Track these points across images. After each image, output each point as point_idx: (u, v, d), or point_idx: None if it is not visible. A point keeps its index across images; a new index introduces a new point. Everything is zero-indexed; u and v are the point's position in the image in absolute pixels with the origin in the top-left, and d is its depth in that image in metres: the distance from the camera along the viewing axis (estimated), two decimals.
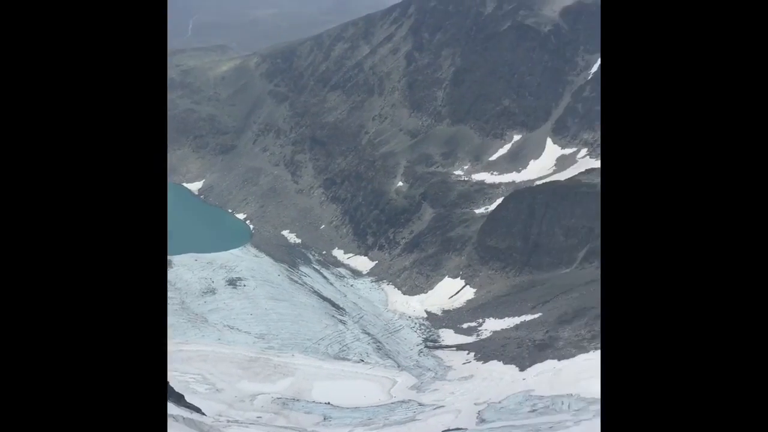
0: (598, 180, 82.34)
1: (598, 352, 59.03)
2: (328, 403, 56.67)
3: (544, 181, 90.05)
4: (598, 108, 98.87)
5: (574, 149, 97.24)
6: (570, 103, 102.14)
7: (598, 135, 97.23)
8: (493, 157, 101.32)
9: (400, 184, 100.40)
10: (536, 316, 69.20)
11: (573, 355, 59.68)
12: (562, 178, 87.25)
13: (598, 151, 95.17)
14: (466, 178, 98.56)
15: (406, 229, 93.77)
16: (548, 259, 78.95)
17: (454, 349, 68.19)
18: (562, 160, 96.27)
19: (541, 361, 59.99)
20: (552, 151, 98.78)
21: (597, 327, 62.51)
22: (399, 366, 64.44)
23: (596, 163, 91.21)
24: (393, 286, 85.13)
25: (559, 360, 59.52)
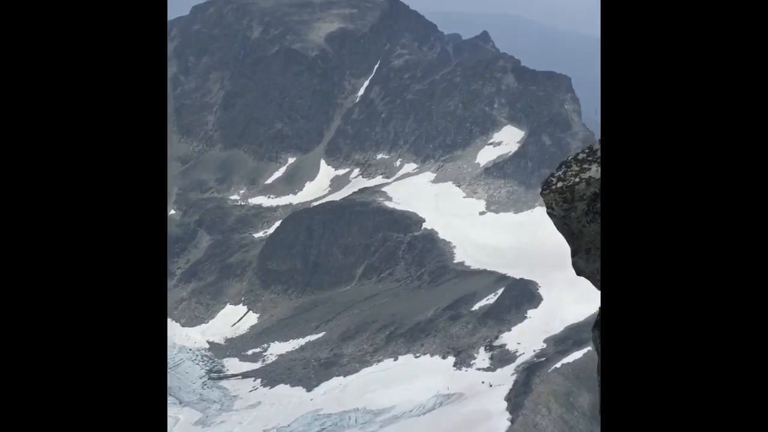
0: (371, 198, 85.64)
1: (381, 365, 61.02)
2: None
3: (320, 202, 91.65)
4: (367, 129, 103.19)
5: (347, 170, 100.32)
6: (341, 125, 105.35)
7: (368, 155, 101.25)
8: (269, 180, 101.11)
9: (173, 212, 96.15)
10: (320, 335, 69.83)
11: (357, 370, 61.02)
12: (338, 198, 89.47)
13: (370, 170, 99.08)
14: (242, 203, 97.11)
15: (182, 259, 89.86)
16: (328, 278, 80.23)
17: (240, 377, 66.38)
18: (336, 181, 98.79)
19: (328, 379, 60.53)
20: (326, 172, 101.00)
21: (378, 340, 64.60)
22: (181, 402, 61.17)
23: (368, 182, 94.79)
24: (171, 319, 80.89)
25: (344, 376, 60.50)
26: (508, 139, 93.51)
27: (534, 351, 58.04)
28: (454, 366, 58.50)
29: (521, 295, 65.02)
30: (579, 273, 4.86)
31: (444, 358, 59.89)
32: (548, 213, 4.65)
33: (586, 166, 4.50)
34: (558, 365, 53.03)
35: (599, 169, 4.39)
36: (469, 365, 58.21)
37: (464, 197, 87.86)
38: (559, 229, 4.73)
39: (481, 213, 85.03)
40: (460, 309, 65.45)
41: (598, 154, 4.56)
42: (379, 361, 61.73)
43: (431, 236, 79.29)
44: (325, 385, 59.70)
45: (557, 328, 60.31)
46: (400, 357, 61.45)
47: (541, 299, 64.65)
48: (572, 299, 59.04)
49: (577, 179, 4.44)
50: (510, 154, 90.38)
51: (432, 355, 60.76)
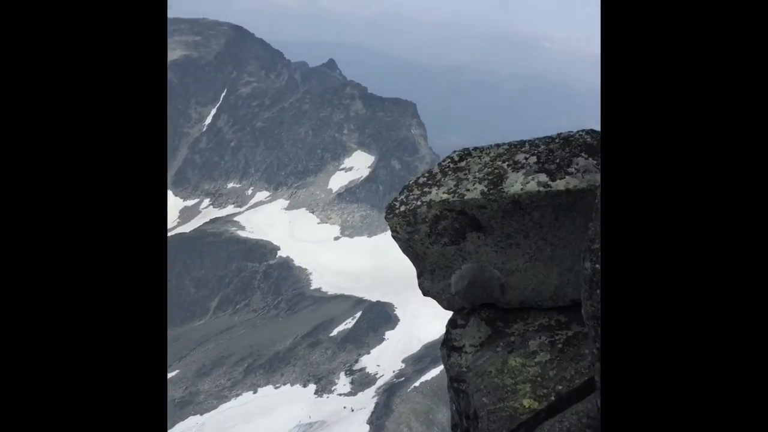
0: (223, 228, 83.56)
1: (240, 399, 59.29)
2: None
3: (169, 234, 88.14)
4: (217, 158, 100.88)
5: (197, 200, 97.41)
6: (188, 155, 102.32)
7: (219, 185, 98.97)
8: None
9: None
10: (174, 373, 66.73)
11: (215, 407, 58.91)
12: (188, 230, 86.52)
13: (221, 200, 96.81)
14: None
15: None
16: (181, 313, 77.09)
17: None
18: (185, 212, 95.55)
19: (183, 419, 57.92)
20: (174, 203, 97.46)
21: (236, 373, 62.77)
22: None
23: (219, 212, 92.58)
24: None
25: (201, 414, 58.17)
26: (359, 164, 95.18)
27: (393, 372, 58.91)
28: (315, 393, 58.04)
29: (378, 318, 65.92)
30: (425, 293, 5.00)
31: (305, 386, 59.28)
32: (393, 237, 4.75)
33: (426, 189, 4.66)
34: (417, 384, 54.17)
35: (438, 191, 4.56)
36: (330, 391, 58.00)
37: (318, 223, 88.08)
38: (404, 251, 4.85)
39: (336, 238, 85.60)
40: (319, 335, 65.21)
41: (438, 177, 4.74)
42: (237, 395, 59.98)
43: (287, 264, 78.63)
44: (180, 426, 57.04)
45: (415, 348, 61.67)
46: (259, 389, 60.06)
47: (398, 320, 65.90)
48: (428, 317, 60.70)
49: (418, 202, 4.58)
50: (361, 178, 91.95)
51: (292, 384, 59.95)
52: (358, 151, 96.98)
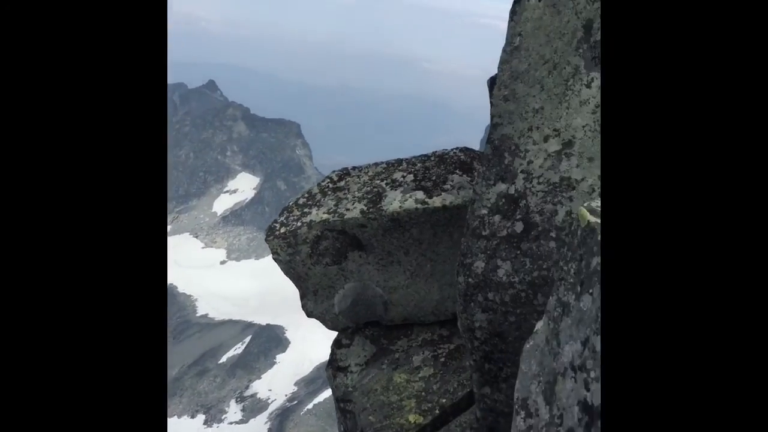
0: None
1: None
2: None
3: None
4: None
5: None
6: None
7: None
8: None
9: None
10: None
11: None
12: None
13: None
14: None
15: None
16: None
17: None
18: None
19: None
20: None
21: None
22: None
23: None
24: None
25: None
26: (244, 186, 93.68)
27: (286, 395, 58.01)
28: (204, 424, 56.15)
29: (269, 341, 64.79)
30: (309, 315, 4.96)
31: (193, 417, 57.20)
32: (274, 259, 4.69)
33: (306, 210, 4.64)
34: (310, 406, 53.61)
35: (319, 211, 4.55)
36: (220, 420, 56.29)
37: (203, 247, 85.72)
38: (286, 273, 4.79)
39: (222, 262, 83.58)
40: (207, 363, 63.21)
41: (317, 198, 4.73)
42: None
43: (171, 291, 75.85)
44: None
45: (307, 369, 61.01)
46: None
47: (289, 342, 65.03)
48: (320, 338, 60.34)
49: (299, 223, 4.55)
50: (247, 200, 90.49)
51: (179, 416, 57.69)
52: (243, 172, 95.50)
